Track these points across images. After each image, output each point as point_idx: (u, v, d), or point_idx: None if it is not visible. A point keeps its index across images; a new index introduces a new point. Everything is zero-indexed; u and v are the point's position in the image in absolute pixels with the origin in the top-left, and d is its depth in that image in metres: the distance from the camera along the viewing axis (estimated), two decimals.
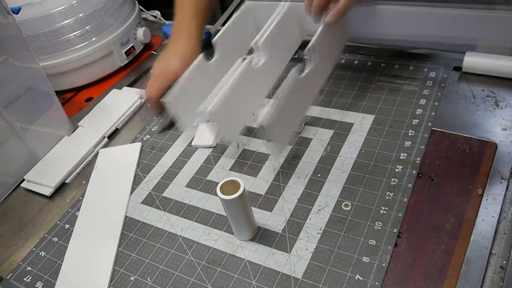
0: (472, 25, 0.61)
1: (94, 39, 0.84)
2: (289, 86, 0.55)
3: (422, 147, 0.58)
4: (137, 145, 0.71)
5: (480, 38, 0.62)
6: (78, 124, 0.78)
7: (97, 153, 0.72)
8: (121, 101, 0.81)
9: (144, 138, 0.73)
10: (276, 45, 0.65)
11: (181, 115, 0.62)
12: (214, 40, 0.66)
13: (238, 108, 0.60)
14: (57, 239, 0.60)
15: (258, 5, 0.71)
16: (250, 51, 0.68)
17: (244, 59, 0.61)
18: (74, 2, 0.81)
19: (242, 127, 0.62)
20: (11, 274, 0.58)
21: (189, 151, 0.68)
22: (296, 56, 0.73)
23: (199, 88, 0.63)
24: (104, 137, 0.75)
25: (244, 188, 0.47)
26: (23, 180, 0.70)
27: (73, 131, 0.77)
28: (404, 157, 0.57)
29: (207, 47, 0.72)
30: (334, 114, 0.66)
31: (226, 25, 0.68)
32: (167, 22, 1.03)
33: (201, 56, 0.64)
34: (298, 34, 0.71)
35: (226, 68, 0.61)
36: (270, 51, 0.64)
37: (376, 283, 0.46)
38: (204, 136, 0.68)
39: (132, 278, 0.53)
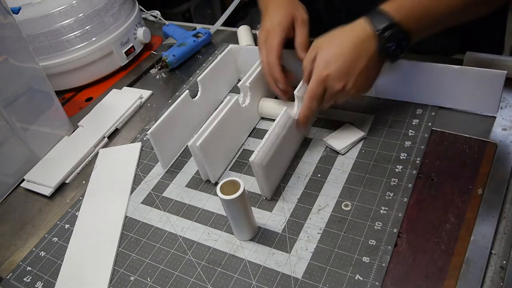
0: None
1: (94, 39, 0.84)
2: (280, 125, 0.57)
3: (422, 147, 0.58)
4: (137, 145, 0.71)
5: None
6: (78, 124, 0.78)
7: (97, 153, 0.72)
8: (121, 101, 0.81)
9: (144, 138, 0.72)
10: (260, 88, 0.68)
11: (161, 148, 0.64)
12: (198, 79, 0.69)
13: (223, 146, 0.62)
14: (57, 239, 0.60)
15: (242, 49, 0.76)
16: (230, 92, 0.75)
17: (233, 97, 0.63)
18: (74, 2, 0.81)
19: (228, 162, 0.64)
20: (11, 274, 0.58)
21: (189, 151, 0.67)
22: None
23: (181, 124, 0.66)
24: (104, 137, 0.75)
25: (244, 188, 0.47)
26: (23, 180, 0.70)
27: (73, 131, 0.77)
28: (404, 157, 0.57)
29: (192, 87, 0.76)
30: (334, 114, 0.66)
31: (210, 66, 0.71)
32: (167, 22, 1.03)
33: (187, 92, 0.66)
34: None
35: (208, 107, 0.64)
36: (255, 93, 0.67)
37: (376, 283, 0.46)
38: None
39: (132, 278, 0.53)
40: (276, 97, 0.70)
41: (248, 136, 0.68)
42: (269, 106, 0.68)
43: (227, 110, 0.61)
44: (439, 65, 0.60)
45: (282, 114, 0.58)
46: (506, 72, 0.56)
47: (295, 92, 0.60)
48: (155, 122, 0.61)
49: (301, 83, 0.61)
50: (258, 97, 0.68)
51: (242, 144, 0.66)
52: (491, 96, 0.59)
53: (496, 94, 0.58)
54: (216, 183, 0.61)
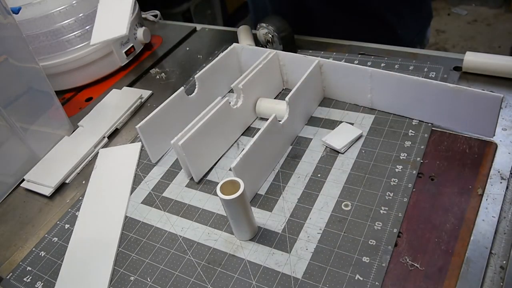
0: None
1: None
2: (265, 132, 0.56)
3: (422, 147, 0.58)
4: (137, 145, 0.71)
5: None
6: (78, 124, 0.78)
7: (97, 153, 0.72)
8: (121, 101, 0.81)
9: None
10: (256, 89, 0.67)
11: (150, 143, 0.64)
12: (196, 76, 0.68)
13: (210, 145, 0.62)
14: (57, 239, 0.60)
15: (245, 48, 0.74)
16: (231, 91, 0.74)
17: (224, 98, 0.63)
18: (74, 2, 0.81)
19: (211, 164, 0.64)
20: (11, 274, 0.58)
21: None
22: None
23: (173, 120, 0.65)
24: (104, 137, 0.75)
25: (244, 188, 0.47)
26: (23, 180, 0.70)
27: (73, 131, 0.77)
28: (404, 157, 0.57)
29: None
30: (334, 114, 0.66)
31: (211, 63, 0.70)
32: (167, 22, 1.03)
33: (182, 88, 0.65)
34: (279, 82, 0.74)
35: (204, 105, 0.65)
36: (250, 95, 0.66)
37: (376, 283, 0.46)
38: None
39: (132, 278, 0.53)
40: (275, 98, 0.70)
41: (242, 134, 0.68)
42: (267, 106, 0.68)
43: (214, 112, 0.61)
44: (434, 82, 0.57)
45: (269, 120, 0.57)
46: (502, 96, 0.53)
47: (286, 98, 0.60)
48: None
49: (294, 89, 0.61)
50: (253, 98, 0.68)
51: (236, 143, 0.66)
52: (487, 120, 0.55)
53: (493, 118, 0.54)
54: (201, 181, 0.61)
